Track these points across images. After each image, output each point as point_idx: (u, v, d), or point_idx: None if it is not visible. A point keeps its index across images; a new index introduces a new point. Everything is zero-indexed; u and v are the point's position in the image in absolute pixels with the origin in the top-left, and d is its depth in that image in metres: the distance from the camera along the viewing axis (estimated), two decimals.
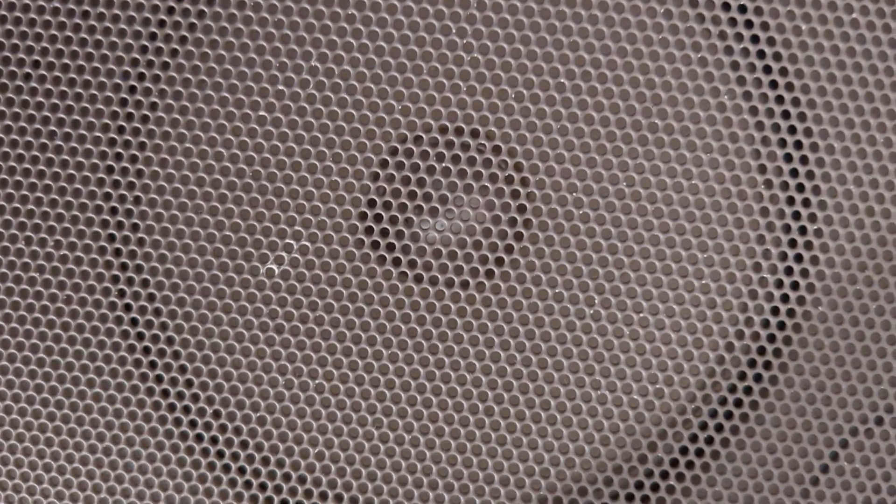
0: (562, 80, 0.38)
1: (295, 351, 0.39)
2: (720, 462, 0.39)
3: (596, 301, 0.39)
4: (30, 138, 0.39)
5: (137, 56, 0.39)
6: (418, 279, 0.39)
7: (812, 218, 0.38)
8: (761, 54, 0.38)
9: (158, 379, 0.40)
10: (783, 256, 0.38)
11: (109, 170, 0.39)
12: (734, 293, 0.38)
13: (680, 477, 0.39)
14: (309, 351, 0.39)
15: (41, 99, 0.39)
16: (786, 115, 0.38)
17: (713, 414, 0.39)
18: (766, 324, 0.39)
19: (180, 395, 0.40)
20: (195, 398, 0.40)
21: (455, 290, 0.39)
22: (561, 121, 0.38)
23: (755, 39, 0.38)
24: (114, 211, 0.39)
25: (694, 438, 0.39)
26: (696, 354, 0.39)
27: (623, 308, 0.39)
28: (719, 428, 0.39)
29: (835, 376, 0.39)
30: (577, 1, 0.37)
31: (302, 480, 0.40)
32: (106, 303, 0.40)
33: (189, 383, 0.40)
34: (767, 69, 0.38)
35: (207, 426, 0.40)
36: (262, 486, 0.40)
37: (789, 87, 0.38)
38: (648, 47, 0.38)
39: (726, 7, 0.38)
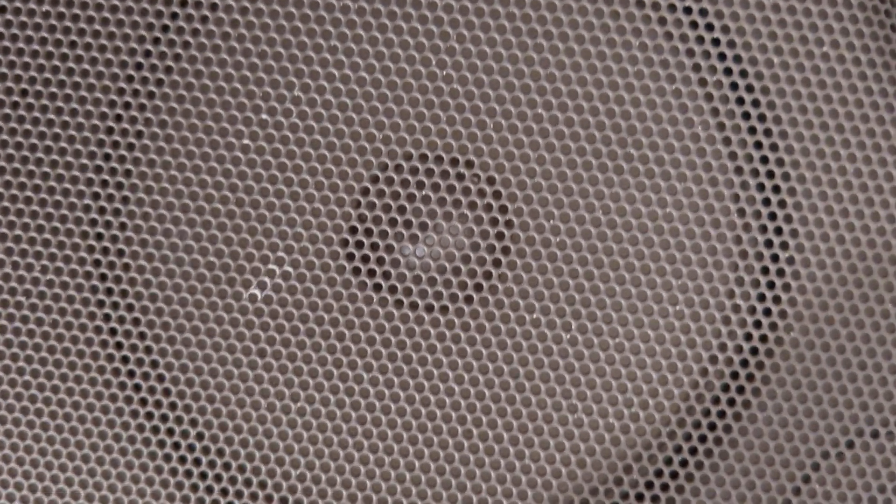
0: (539, 111, 0.39)
1: (277, 375, 0.41)
2: (694, 484, 0.41)
3: (573, 326, 0.40)
4: (17, 165, 0.40)
5: (123, 85, 0.40)
6: (399, 304, 0.41)
7: (784, 245, 0.40)
8: (734, 86, 0.39)
9: (142, 402, 0.41)
10: (756, 283, 0.40)
11: (95, 196, 0.40)
12: (709, 318, 0.40)
13: (655, 499, 0.41)
14: (291, 375, 0.41)
15: (28, 126, 0.40)
16: (758, 144, 0.39)
17: (687, 437, 0.41)
18: (739, 348, 0.40)
19: (164, 418, 0.41)
20: (179, 420, 0.41)
21: (435, 315, 0.40)
22: (539, 150, 0.39)
23: (728, 72, 0.39)
24: (100, 237, 0.41)
25: (669, 461, 0.41)
26: (671, 379, 0.40)
27: (599, 333, 0.40)
28: (693, 451, 0.41)
29: (807, 400, 0.40)
30: (554, 33, 0.39)
31: (284, 502, 0.41)
32: (91, 327, 0.41)
33: (173, 406, 0.41)
34: (741, 101, 0.39)
35: (191, 448, 0.41)
36: (238, 495, 0.42)
37: (762, 117, 0.39)
38: (624, 79, 0.39)
39: (700, 40, 0.39)
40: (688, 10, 0.39)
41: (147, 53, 0.40)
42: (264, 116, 0.40)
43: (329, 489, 0.41)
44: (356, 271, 0.41)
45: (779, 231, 0.40)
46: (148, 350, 0.41)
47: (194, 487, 0.42)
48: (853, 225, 0.39)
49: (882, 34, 0.39)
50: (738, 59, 0.39)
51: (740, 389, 0.40)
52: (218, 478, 0.42)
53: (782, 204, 0.39)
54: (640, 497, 0.41)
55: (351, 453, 0.41)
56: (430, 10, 0.39)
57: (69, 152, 0.40)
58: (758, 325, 0.40)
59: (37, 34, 0.40)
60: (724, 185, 0.40)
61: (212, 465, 0.42)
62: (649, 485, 0.41)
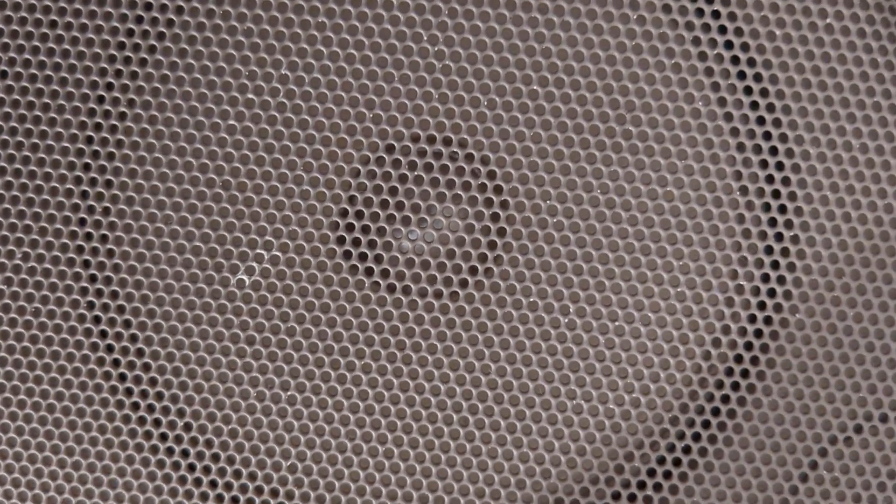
0: (535, 87, 0.39)
1: (266, 362, 0.40)
2: (697, 472, 0.40)
3: (571, 309, 0.40)
4: (6, 136, 0.40)
5: (105, 65, 0.39)
6: (392, 289, 0.40)
7: (789, 224, 0.39)
8: (735, 60, 0.39)
9: (128, 392, 0.41)
10: (760, 263, 0.39)
11: (78, 180, 0.40)
12: (711, 300, 0.39)
13: (657, 487, 0.40)
14: (280, 362, 0.40)
15: (17, 97, 0.39)
16: (761, 120, 0.39)
17: (690, 422, 0.40)
18: (743, 331, 0.40)
19: (150, 408, 0.41)
20: (166, 411, 0.41)
21: (429, 300, 0.40)
22: (534, 128, 0.39)
23: (729, 45, 0.39)
24: (82, 222, 0.40)
25: (671, 448, 0.40)
26: (673, 363, 0.40)
27: (598, 316, 0.39)
28: (696, 437, 0.40)
29: (813, 384, 0.39)
30: (549, 7, 0.38)
31: (274, 493, 0.41)
32: (74, 314, 0.40)
33: (159, 396, 0.41)
34: (742, 75, 0.39)
35: (178, 439, 0.41)
36: (234, 500, 0.41)
37: (764, 92, 0.39)
38: (622, 53, 0.38)
39: (700, 12, 0.38)
40: None
41: (129, 32, 0.39)
42: (251, 96, 0.39)
43: (321, 480, 0.41)
44: (347, 255, 0.40)
45: (783, 209, 0.39)
46: (133, 338, 0.41)
47: (182, 480, 0.41)
48: (859, 202, 0.39)
49: None
50: (738, 31, 0.38)
51: (745, 373, 0.40)
52: (206, 469, 0.41)
53: (786, 181, 0.39)
54: (642, 485, 0.40)
55: (343, 443, 0.40)
56: None
57: (51, 135, 0.40)
58: (762, 306, 0.40)
59: (16, 13, 0.39)
60: (726, 162, 0.39)
61: (200, 456, 0.41)
62: (651, 472, 0.40)
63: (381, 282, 0.40)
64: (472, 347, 0.40)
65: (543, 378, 0.40)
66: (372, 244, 0.40)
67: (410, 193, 0.40)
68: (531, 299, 0.40)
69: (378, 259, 0.40)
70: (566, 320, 0.40)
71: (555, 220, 0.39)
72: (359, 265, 0.40)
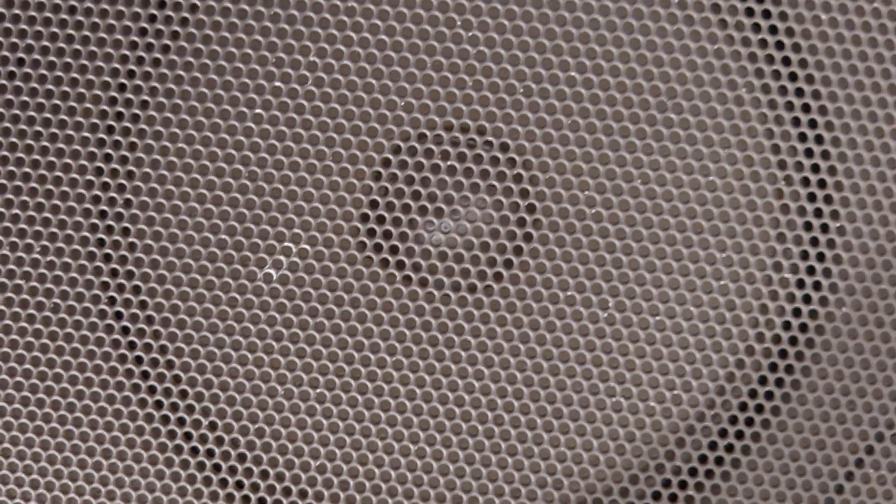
0: (572, 74, 0.38)
1: (294, 359, 0.39)
2: (740, 470, 0.39)
3: (609, 304, 0.38)
4: (14, 139, 0.39)
5: (127, 52, 0.38)
6: (422, 283, 0.39)
7: (835, 215, 0.38)
8: (780, 45, 0.37)
9: (151, 390, 0.40)
10: (805, 255, 0.38)
11: (98, 171, 0.39)
12: (755, 293, 0.38)
13: (699, 486, 0.39)
14: (309, 359, 0.39)
15: (26, 98, 0.38)
16: (806, 108, 0.38)
17: (733, 420, 0.39)
18: (787, 325, 0.39)
19: (174, 407, 0.40)
20: (189, 409, 0.40)
21: (461, 295, 0.39)
22: (571, 116, 0.38)
23: (773, 30, 0.37)
24: (103, 214, 0.39)
25: (713, 446, 0.39)
26: (715, 358, 0.39)
27: (638, 311, 0.38)
28: (739, 434, 0.39)
29: (860, 379, 0.38)
30: None
31: (303, 495, 0.40)
32: (95, 311, 0.39)
33: (183, 394, 0.40)
34: (786, 60, 0.38)
35: (203, 438, 0.40)
36: (261, 501, 0.40)
37: (809, 78, 0.37)
38: (662, 39, 0.37)
39: None
40: None
41: (152, 18, 0.38)
42: (277, 84, 0.38)
43: (351, 481, 0.40)
44: (377, 249, 0.39)
45: (828, 199, 0.38)
46: (156, 335, 0.40)
47: (207, 480, 0.40)
48: None
49: None
50: (783, 15, 0.37)
51: (789, 369, 0.39)
52: (232, 470, 0.40)
53: (832, 170, 0.38)
54: (683, 484, 0.39)
55: (374, 442, 0.39)
56: None
57: (69, 124, 0.39)
58: (807, 299, 0.38)
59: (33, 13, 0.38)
60: (770, 151, 0.38)
61: (225, 456, 0.40)
62: (693, 471, 0.39)
63: (412, 276, 0.39)
64: (507, 343, 0.39)
65: (581, 375, 0.39)
66: (402, 237, 0.39)
67: (442, 184, 0.39)
68: (568, 293, 0.39)
69: (407, 253, 0.39)
70: (605, 315, 0.39)
71: (592, 212, 0.38)
72: (389, 259, 0.39)
